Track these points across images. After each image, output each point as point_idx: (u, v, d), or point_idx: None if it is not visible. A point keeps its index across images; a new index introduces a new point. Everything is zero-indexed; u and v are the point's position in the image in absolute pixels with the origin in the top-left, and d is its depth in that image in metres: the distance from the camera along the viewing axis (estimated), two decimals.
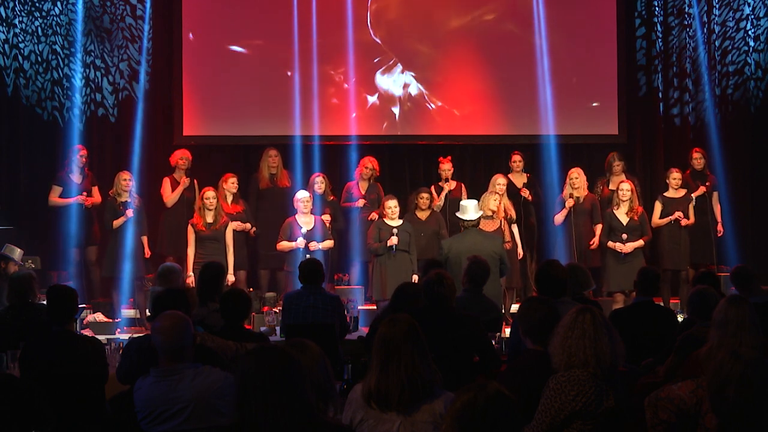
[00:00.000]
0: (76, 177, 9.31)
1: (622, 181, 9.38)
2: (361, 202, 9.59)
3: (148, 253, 9.25)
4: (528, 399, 3.70)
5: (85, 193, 9.23)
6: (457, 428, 2.57)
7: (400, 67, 10.83)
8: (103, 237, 9.41)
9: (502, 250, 7.69)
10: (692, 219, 9.44)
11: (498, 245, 7.67)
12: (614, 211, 9.19)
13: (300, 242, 8.93)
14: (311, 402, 2.88)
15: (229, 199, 9.32)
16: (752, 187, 10.85)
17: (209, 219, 8.96)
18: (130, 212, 8.96)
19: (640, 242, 9.14)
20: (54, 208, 9.34)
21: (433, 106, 10.87)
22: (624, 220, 9.14)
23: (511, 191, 9.54)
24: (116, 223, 8.98)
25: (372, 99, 10.83)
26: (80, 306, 7.96)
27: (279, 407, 2.78)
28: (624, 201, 9.15)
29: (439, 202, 9.59)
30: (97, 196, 9.38)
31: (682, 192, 9.51)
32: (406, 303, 5.67)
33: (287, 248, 9.01)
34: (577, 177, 9.45)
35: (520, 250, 9.32)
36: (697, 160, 9.78)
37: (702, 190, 9.54)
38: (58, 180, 9.32)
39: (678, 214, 9.35)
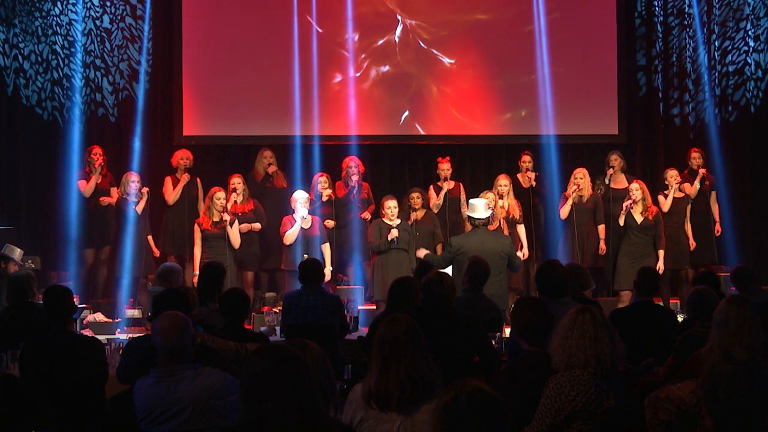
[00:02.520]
0: (94, 176, 9.34)
1: (632, 182, 9.37)
2: (368, 215, 9.53)
3: (157, 252, 9.32)
4: (526, 400, 3.70)
5: (84, 181, 9.30)
6: (443, 429, 2.59)
7: (399, 66, 10.85)
8: (117, 237, 9.45)
9: (511, 249, 7.70)
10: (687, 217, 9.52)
11: (507, 244, 7.67)
12: (630, 211, 9.19)
13: (301, 215, 8.92)
14: (318, 401, 2.88)
15: (239, 199, 9.28)
16: (752, 187, 10.85)
17: (215, 218, 8.96)
18: (145, 190, 9.13)
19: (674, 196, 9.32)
20: (55, 209, 9.52)
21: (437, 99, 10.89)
22: (639, 219, 9.14)
23: (519, 191, 9.56)
24: (138, 208, 9.09)
25: (371, 97, 10.84)
26: (80, 306, 8.01)
27: (288, 406, 2.78)
28: (636, 202, 9.14)
29: (439, 201, 9.59)
30: (116, 196, 9.40)
31: (680, 194, 9.52)
32: (404, 298, 5.67)
33: (293, 234, 8.97)
34: (582, 178, 9.47)
35: (525, 251, 9.33)
36: (695, 159, 9.80)
37: (697, 179, 9.56)
38: (81, 176, 9.40)
39: (682, 185, 9.46)
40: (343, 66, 10.74)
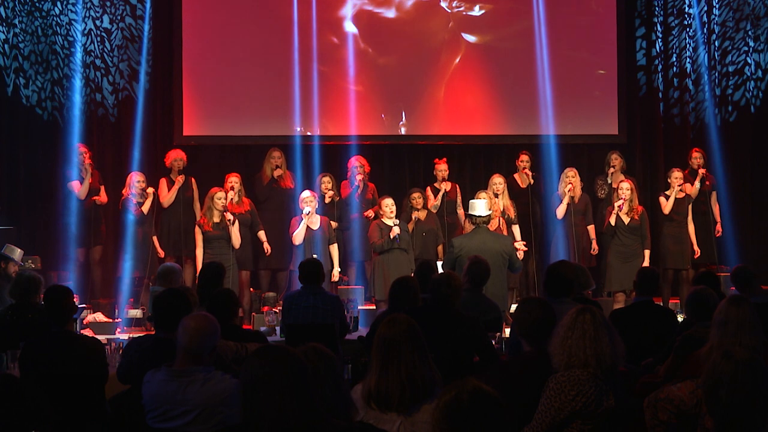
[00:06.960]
0: (86, 177, 9.34)
1: (621, 181, 9.40)
2: (371, 213, 9.51)
3: (162, 253, 9.33)
4: (526, 400, 3.70)
5: (77, 182, 9.29)
6: (443, 429, 2.59)
7: (399, 66, 10.85)
8: (108, 237, 9.42)
9: (512, 249, 7.72)
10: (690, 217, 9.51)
11: (507, 244, 7.69)
12: (618, 212, 9.20)
13: (306, 214, 8.89)
14: (316, 402, 2.87)
15: (235, 198, 9.25)
16: (752, 187, 10.85)
17: (216, 219, 8.94)
18: (150, 190, 9.17)
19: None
20: (55, 209, 9.48)
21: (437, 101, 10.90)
22: (626, 220, 9.16)
23: (517, 191, 9.57)
24: (145, 208, 9.12)
25: (372, 97, 10.84)
26: (80, 306, 8.01)
27: (288, 406, 2.77)
28: (625, 201, 9.15)
29: (436, 202, 9.60)
30: (103, 196, 9.41)
31: (681, 195, 9.52)
32: (404, 298, 5.68)
33: (299, 234, 8.94)
34: (574, 176, 9.48)
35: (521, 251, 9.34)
36: (696, 159, 9.81)
37: (698, 179, 9.55)
38: (72, 176, 9.38)
39: (683, 185, 9.39)
40: (343, 66, 10.73)
